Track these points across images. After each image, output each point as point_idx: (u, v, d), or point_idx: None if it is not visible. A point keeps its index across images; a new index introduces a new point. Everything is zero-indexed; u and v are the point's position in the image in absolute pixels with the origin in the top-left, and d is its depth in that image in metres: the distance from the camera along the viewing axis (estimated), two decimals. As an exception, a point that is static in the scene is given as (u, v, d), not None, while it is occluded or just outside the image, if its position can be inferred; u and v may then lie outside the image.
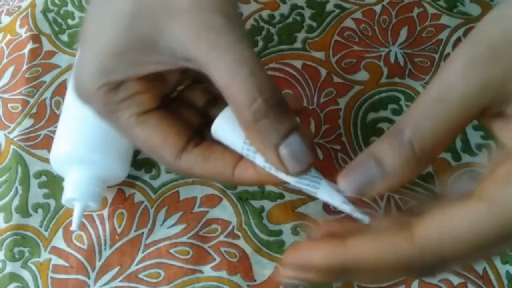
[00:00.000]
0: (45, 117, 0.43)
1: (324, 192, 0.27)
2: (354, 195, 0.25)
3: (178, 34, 0.26)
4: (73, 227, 0.36)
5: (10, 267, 0.38)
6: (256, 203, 0.40)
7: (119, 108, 0.28)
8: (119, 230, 0.39)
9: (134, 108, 0.28)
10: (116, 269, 0.38)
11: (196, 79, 0.32)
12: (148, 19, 0.26)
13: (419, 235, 0.23)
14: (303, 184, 0.28)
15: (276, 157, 0.26)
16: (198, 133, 0.30)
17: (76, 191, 0.36)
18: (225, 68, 0.25)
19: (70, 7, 0.48)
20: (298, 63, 0.44)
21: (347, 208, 0.27)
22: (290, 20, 0.46)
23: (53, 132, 0.42)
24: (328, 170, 0.41)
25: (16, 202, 0.40)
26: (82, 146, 0.37)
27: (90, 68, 0.27)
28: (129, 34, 0.26)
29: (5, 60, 0.45)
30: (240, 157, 0.28)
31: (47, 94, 0.43)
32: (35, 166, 0.41)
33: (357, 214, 0.27)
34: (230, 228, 0.39)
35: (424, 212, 0.24)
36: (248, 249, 0.38)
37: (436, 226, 0.23)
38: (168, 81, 0.31)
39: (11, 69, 0.45)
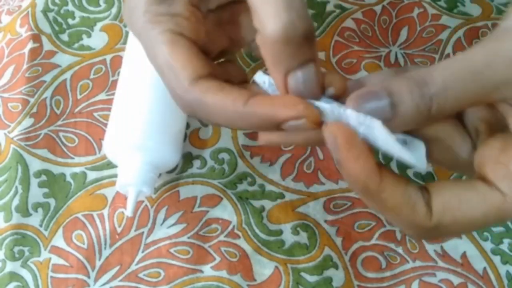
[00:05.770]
0: (45, 116, 0.43)
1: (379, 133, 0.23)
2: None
3: None
4: (128, 212, 0.36)
5: (10, 267, 0.38)
6: (256, 203, 0.40)
7: (157, 20, 0.27)
8: (119, 230, 0.39)
9: (171, 25, 0.27)
10: (116, 268, 0.38)
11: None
12: None
13: (436, 217, 0.23)
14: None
15: (283, 83, 0.25)
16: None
17: (131, 176, 0.37)
18: None
19: (70, 7, 0.47)
20: (298, 63, 0.44)
21: (402, 152, 0.23)
22: (290, 20, 0.46)
23: (54, 131, 0.42)
24: (328, 170, 0.41)
25: (16, 201, 0.40)
26: (137, 133, 0.37)
27: None
28: None
29: (5, 60, 0.45)
30: (258, 93, 0.26)
31: (47, 93, 0.43)
32: (35, 165, 0.41)
33: (412, 159, 0.23)
34: (230, 227, 0.39)
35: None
36: (248, 249, 0.38)
37: (450, 209, 0.23)
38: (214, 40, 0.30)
39: (11, 69, 0.45)
